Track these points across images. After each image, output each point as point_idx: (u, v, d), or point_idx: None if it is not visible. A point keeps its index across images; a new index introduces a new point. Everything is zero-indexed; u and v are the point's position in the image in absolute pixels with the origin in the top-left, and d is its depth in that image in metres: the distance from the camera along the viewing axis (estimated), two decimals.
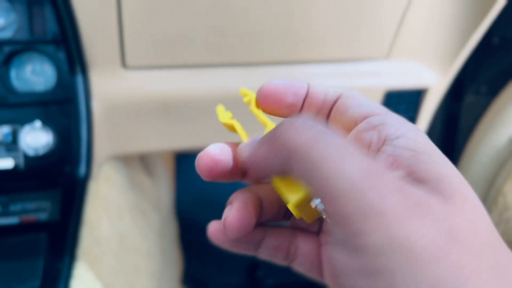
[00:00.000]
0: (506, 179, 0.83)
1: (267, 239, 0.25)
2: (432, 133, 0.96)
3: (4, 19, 0.57)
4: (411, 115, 0.80)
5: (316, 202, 0.21)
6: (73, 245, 0.55)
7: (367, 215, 0.17)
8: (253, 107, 0.27)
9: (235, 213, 0.23)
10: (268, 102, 0.25)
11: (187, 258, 1.08)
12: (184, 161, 1.16)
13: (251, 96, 0.27)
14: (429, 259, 0.16)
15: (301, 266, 0.25)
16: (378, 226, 0.16)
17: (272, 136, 0.20)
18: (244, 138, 0.27)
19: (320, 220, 0.25)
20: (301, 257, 0.25)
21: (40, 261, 0.52)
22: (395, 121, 0.21)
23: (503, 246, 0.18)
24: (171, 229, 1.03)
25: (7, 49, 0.58)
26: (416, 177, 0.19)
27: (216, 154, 0.24)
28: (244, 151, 0.23)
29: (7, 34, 0.57)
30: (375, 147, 0.21)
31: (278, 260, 0.25)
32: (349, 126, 0.23)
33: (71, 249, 0.54)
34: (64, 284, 0.50)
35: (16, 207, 0.58)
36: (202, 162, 0.24)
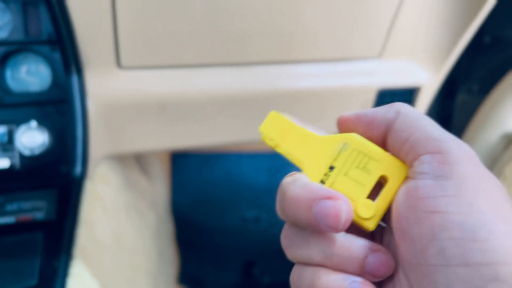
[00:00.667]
0: (498, 176, 0.85)
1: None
2: None
3: None
4: None
5: None
6: (69, 244, 0.55)
7: (463, 151, 0.21)
8: (280, 149, 0.25)
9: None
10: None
11: (183, 257, 1.08)
12: (179, 160, 1.17)
13: (276, 141, 0.25)
14: (499, 197, 0.20)
15: None
16: (470, 161, 0.21)
17: (384, 106, 0.25)
18: (296, 161, 0.25)
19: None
20: None
21: (36, 260, 0.53)
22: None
23: None
24: (167, 228, 1.03)
25: (2, 49, 0.58)
26: None
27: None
28: (346, 113, 0.25)
29: (2, 35, 0.58)
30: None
31: None
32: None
33: (67, 248, 0.55)
34: (60, 282, 0.51)
35: (12, 206, 0.59)
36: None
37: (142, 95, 0.65)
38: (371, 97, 0.75)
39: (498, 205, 0.20)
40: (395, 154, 0.24)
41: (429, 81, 0.78)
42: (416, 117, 0.23)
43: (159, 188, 1.02)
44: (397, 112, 0.23)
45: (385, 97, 0.76)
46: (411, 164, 0.22)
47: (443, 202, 0.20)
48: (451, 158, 0.21)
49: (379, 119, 0.24)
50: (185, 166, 1.17)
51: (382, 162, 0.23)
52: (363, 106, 0.76)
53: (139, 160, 0.94)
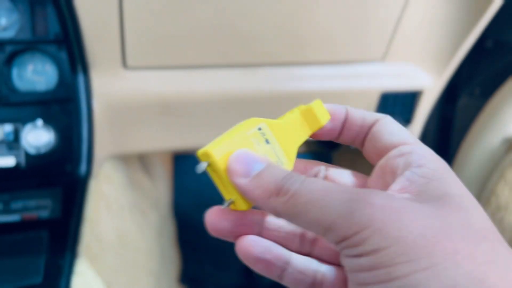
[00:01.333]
0: (499, 180, 0.85)
1: (293, 263, 0.25)
2: (426, 134, 0.98)
3: (6, 19, 0.58)
4: (406, 116, 0.81)
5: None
6: (74, 243, 0.56)
7: (361, 223, 0.19)
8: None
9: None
10: None
11: (185, 258, 1.08)
12: (182, 162, 1.17)
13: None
14: (422, 247, 0.18)
15: None
16: (374, 230, 0.19)
17: None
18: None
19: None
20: (326, 286, 0.25)
21: (42, 258, 0.53)
22: (422, 151, 0.23)
23: (500, 238, 0.20)
24: (169, 229, 1.04)
25: (9, 48, 0.58)
26: (420, 199, 0.21)
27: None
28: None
29: (9, 34, 0.58)
30: (400, 172, 0.23)
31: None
32: (381, 152, 0.25)
33: (72, 246, 0.55)
34: (65, 280, 0.51)
35: (17, 204, 0.59)
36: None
37: (147, 95, 0.65)
38: (374, 100, 0.76)
39: (419, 265, 0.18)
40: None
41: (432, 84, 0.78)
42: (291, 209, 0.21)
43: (161, 189, 1.03)
44: (276, 213, 0.22)
45: (388, 100, 0.77)
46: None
47: (362, 276, 0.20)
48: (356, 240, 0.19)
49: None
50: (187, 167, 1.17)
51: None
52: (366, 109, 0.76)
53: (142, 161, 0.94)
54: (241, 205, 0.23)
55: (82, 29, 0.58)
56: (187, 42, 0.63)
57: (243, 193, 0.23)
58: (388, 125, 0.25)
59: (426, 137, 0.97)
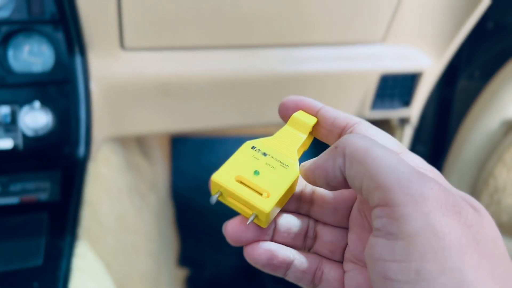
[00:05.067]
0: (497, 162, 0.85)
1: (296, 262, 0.26)
2: (425, 116, 0.98)
3: None
4: (406, 98, 0.81)
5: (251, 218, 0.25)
6: (74, 225, 0.56)
7: (412, 200, 0.19)
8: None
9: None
10: (285, 114, 0.29)
11: (183, 240, 1.09)
12: (179, 145, 1.17)
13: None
14: (455, 252, 0.18)
15: None
16: (419, 212, 0.19)
17: (332, 147, 0.24)
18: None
19: (342, 249, 0.27)
20: (325, 282, 0.27)
21: (42, 240, 0.53)
22: (411, 158, 0.24)
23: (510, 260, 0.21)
24: (168, 211, 1.04)
25: (4, 29, 0.57)
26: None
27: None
28: (306, 164, 0.26)
29: (4, 14, 0.57)
30: None
31: (304, 283, 0.27)
32: None
33: (72, 228, 0.55)
34: (66, 262, 0.51)
35: (16, 187, 0.59)
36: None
37: (146, 77, 0.64)
38: (374, 81, 0.75)
39: (446, 267, 0.18)
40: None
41: (432, 66, 0.78)
42: (361, 156, 0.21)
43: (159, 172, 1.03)
44: (342, 155, 0.23)
45: (387, 81, 0.77)
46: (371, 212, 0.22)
47: (392, 269, 0.19)
48: (398, 212, 0.19)
49: (330, 171, 0.23)
50: (184, 150, 1.17)
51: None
52: (365, 92, 0.76)
53: (140, 143, 0.94)
54: (263, 218, 0.25)
55: (78, 9, 0.57)
56: (186, 22, 0.62)
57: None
58: (360, 127, 0.25)
59: (425, 119, 0.97)
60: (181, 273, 1.03)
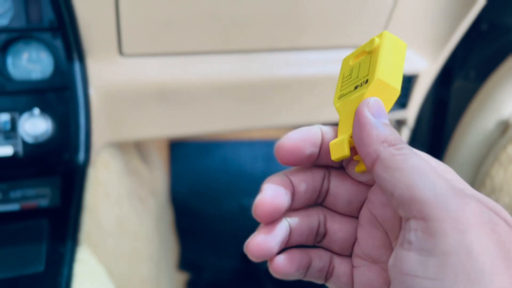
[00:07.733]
0: (493, 162, 0.86)
1: (314, 263, 0.27)
2: (421, 118, 0.98)
3: (0, 7, 0.57)
4: (402, 100, 0.82)
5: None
6: (75, 230, 0.56)
7: (449, 217, 0.19)
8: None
9: (267, 193, 0.25)
10: (288, 158, 0.26)
11: (183, 244, 1.09)
12: (177, 149, 1.17)
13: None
14: (488, 274, 0.18)
15: (335, 285, 0.28)
16: (456, 230, 0.19)
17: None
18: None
19: (352, 244, 0.27)
20: (335, 277, 0.27)
21: (43, 246, 0.53)
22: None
23: None
24: (168, 216, 1.04)
25: (3, 36, 0.58)
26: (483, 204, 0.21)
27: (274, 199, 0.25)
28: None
29: (3, 22, 0.57)
30: None
31: (318, 279, 0.28)
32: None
33: (73, 234, 0.55)
34: (68, 268, 0.51)
35: (16, 194, 0.59)
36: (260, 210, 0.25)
37: (144, 82, 0.65)
38: None
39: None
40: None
41: (427, 68, 0.78)
42: (401, 162, 0.21)
43: (158, 176, 1.03)
44: (376, 156, 0.22)
45: None
46: (403, 223, 0.22)
47: (423, 285, 0.19)
48: (434, 227, 0.19)
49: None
50: (183, 154, 1.17)
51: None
52: None
53: (139, 148, 0.94)
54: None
55: (77, 16, 0.58)
56: (183, 28, 0.62)
57: (364, 126, 0.23)
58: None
59: (421, 121, 0.98)
60: (181, 277, 1.04)
